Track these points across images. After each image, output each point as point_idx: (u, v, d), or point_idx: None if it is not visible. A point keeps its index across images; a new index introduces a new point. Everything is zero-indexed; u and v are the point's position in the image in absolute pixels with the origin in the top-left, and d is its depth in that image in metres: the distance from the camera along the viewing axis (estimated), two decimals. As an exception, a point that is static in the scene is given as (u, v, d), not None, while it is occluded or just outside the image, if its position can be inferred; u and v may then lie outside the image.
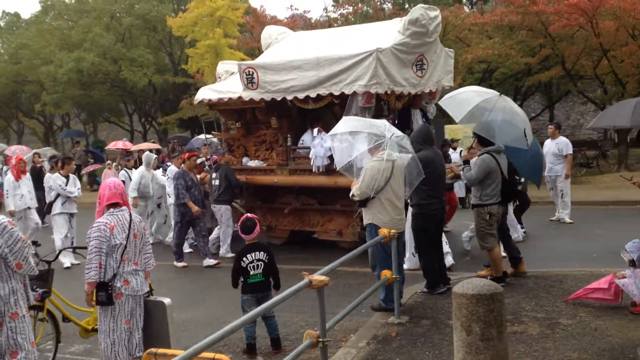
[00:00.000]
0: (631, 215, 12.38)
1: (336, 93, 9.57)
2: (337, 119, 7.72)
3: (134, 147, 24.96)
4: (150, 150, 23.63)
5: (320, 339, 4.63)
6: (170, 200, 11.43)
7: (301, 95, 9.88)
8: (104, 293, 4.97)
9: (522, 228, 10.68)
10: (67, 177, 10.61)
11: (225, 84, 11.66)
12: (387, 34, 9.95)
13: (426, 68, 9.95)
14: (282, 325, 6.54)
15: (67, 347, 6.51)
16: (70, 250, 7.32)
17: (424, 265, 7.44)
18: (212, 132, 13.69)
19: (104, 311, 5.06)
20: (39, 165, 15.26)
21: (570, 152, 11.88)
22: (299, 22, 26.86)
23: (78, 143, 29.82)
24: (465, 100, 7.71)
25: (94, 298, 5.05)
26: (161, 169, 12.88)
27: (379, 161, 6.55)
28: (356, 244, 9.25)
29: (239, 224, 6.20)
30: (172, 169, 11.51)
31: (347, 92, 9.39)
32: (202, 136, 22.65)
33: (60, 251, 6.91)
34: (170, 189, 11.39)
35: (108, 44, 28.68)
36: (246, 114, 11.43)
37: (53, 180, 10.54)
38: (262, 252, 6.07)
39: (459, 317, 4.11)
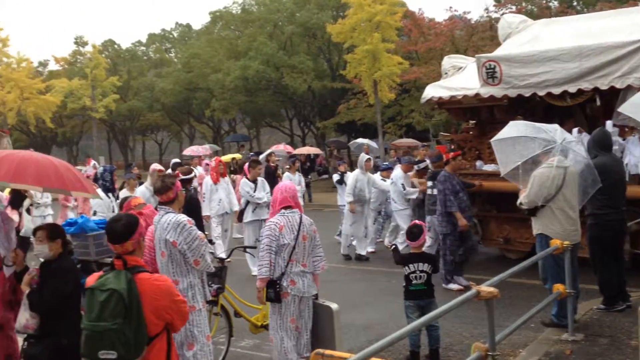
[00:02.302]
0: None
1: (603, 87, 8.34)
2: (590, 117, 6.71)
3: (295, 151, 25.91)
4: (309, 155, 24.35)
5: (490, 353, 4.45)
6: (397, 205, 11.08)
7: (557, 91, 8.69)
8: (272, 290, 5.18)
9: None
10: (254, 181, 10.13)
11: (455, 80, 10.64)
12: None
13: None
14: (445, 335, 6.39)
15: (238, 341, 6.79)
16: (242, 249, 7.66)
17: (600, 279, 6.90)
18: (441, 133, 13.20)
19: (273, 308, 5.29)
20: (273, 164, 15.16)
21: None
22: (458, 24, 26.34)
23: (243, 147, 31.38)
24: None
25: (264, 294, 5.28)
26: (378, 172, 12.41)
27: (549, 168, 6.20)
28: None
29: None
30: (398, 172, 11.15)
31: (618, 86, 8.23)
32: (359, 140, 22.86)
33: (232, 250, 7.26)
34: (395, 194, 11.09)
35: (271, 52, 29.95)
36: (480, 113, 10.22)
37: (241, 186, 10.24)
38: (426, 264, 6.02)
39: (648, 340, 3.76)
